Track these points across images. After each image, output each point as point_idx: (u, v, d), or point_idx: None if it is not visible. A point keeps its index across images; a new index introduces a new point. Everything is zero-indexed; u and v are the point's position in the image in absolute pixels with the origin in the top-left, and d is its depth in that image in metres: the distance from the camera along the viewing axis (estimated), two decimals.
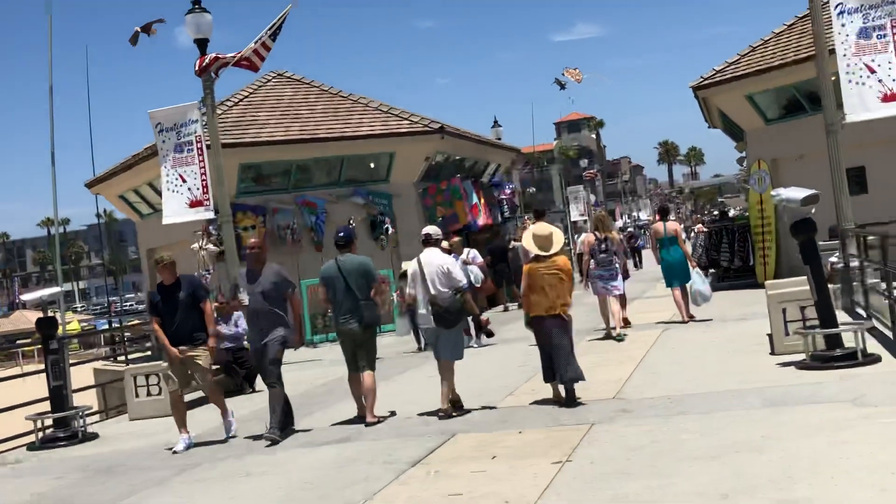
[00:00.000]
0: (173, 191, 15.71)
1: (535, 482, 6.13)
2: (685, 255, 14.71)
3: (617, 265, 13.95)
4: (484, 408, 9.29)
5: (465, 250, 15.62)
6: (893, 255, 12.77)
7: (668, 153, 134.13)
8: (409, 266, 9.69)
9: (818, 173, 14.61)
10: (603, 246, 13.76)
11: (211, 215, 17.04)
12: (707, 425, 7.21)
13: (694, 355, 11.22)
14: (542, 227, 9.31)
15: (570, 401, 8.83)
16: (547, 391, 9.34)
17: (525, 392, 9.98)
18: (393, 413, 9.62)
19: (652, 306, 17.93)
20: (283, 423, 9.20)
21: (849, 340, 9.21)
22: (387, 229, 21.79)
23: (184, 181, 15.54)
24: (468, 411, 9.16)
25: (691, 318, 14.56)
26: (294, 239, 21.06)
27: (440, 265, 9.17)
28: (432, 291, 9.07)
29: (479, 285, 15.18)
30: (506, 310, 23.35)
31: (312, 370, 14.90)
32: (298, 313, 10.07)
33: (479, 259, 16.31)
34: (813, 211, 9.38)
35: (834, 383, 8.20)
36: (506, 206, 26.86)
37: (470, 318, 10.57)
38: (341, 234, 9.84)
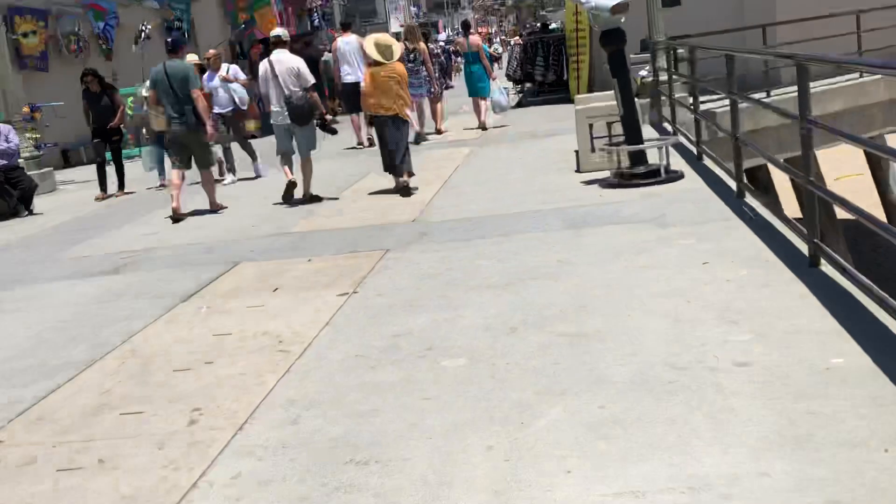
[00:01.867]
0: None
1: (315, 318, 5.56)
2: (485, 68, 15.98)
3: (424, 74, 14.86)
4: (275, 234, 8.60)
5: (225, 66, 13.25)
6: (702, 69, 12.62)
7: None
8: (260, 66, 10.22)
9: None
10: (411, 56, 14.37)
11: None
12: (504, 249, 6.79)
13: (500, 173, 10.81)
14: (385, 38, 10.34)
15: (406, 191, 9.86)
16: (343, 217, 8.76)
17: (323, 214, 9.34)
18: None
19: (468, 121, 17.46)
20: None
21: (654, 157, 8.98)
22: (185, 34, 20.11)
23: None
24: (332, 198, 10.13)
25: (484, 128, 15.66)
26: (80, 47, 19.10)
27: (290, 66, 9.81)
28: (285, 91, 9.73)
29: (243, 107, 13.15)
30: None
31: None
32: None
33: (242, 76, 13.40)
34: (623, 20, 8.88)
35: (636, 202, 7.94)
36: (316, 16, 25.33)
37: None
38: (169, 39, 11.00)
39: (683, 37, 14.13)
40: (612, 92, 11.35)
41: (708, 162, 9.36)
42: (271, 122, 10.35)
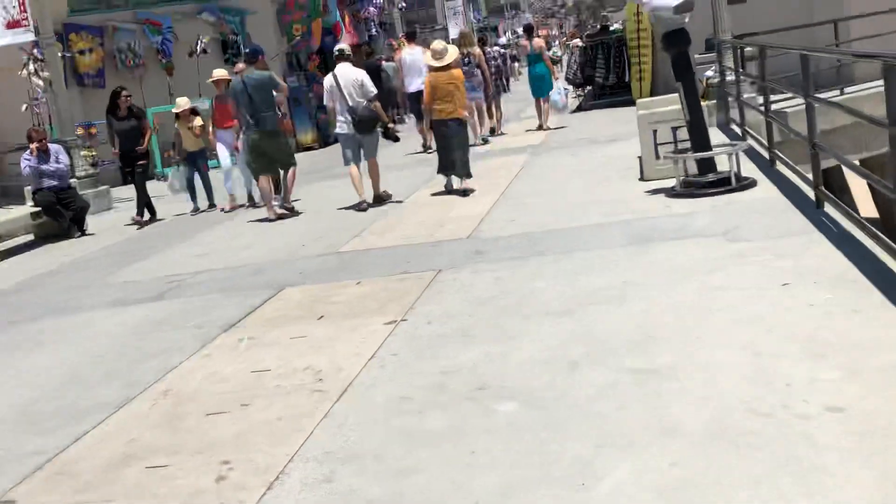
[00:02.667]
0: None
1: (359, 350, 5.17)
2: (549, 69, 16.48)
3: (478, 77, 15.14)
4: (325, 254, 8.26)
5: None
6: (772, 67, 11.98)
7: None
8: (326, 81, 10.61)
9: None
10: (466, 59, 14.59)
11: (30, 37, 15.10)
12: (564, 269, 6.33)
13: (560, 183, 10.34)
14: (439, 43, 10.84)
15: (465, 192, 10.28)
16: (395, 234, 8.42)
17: (374, 232, 8.97)
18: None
19: (527, 125, 17.06)
20: None
21: (724, 163, 8.44)
22: (240, 48, 19.96)
23: None
24: (397, 201, 10.51)
25: (545, 127, 16.25)
26: (136, 62, 19.07)
27: (355, 78, 10.24)
28: (350, 103, 10.12)
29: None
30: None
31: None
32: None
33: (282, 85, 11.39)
34: (687, 20, 8.35)
35: (706, 213, 7.41)
36: (373, 24, 25.06)
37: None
38: (248, 50, 11.75)
39: (750, 34, 13.52)
40: (677, 95, 10.89)
41: (782, 167, 8.76)
42: (336, 131, 10.71)
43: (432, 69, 10.41)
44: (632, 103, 19.36)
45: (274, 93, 10.50)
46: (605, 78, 19.93)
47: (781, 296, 4.97)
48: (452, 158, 10.30)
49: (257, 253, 8.76)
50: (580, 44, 23.65)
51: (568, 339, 4.81)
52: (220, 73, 12.25)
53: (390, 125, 11.38)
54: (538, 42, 17.08)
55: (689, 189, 8.27)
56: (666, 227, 7.17)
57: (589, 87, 21.23)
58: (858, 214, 6.41)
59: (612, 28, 26.21)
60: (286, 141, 10.91)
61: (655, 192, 8.69)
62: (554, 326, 5.08)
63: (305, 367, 5.04)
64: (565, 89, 17.63)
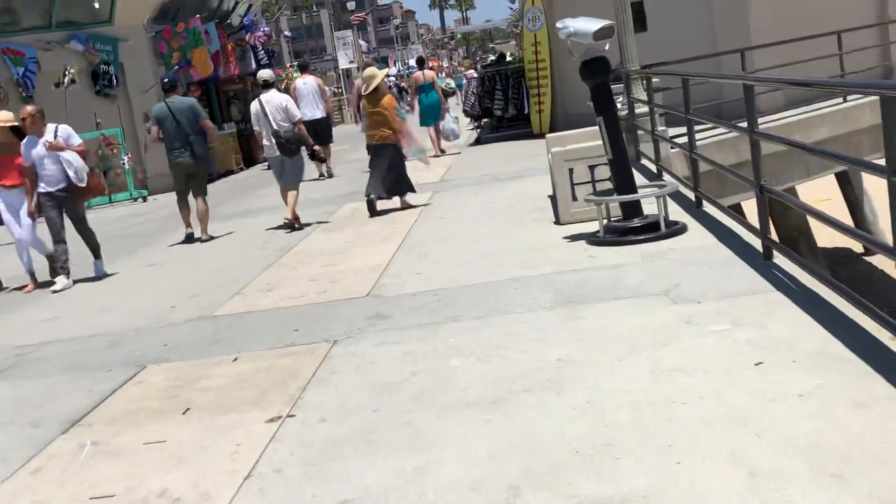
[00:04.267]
0: None
1: (232, 465, 4.01)
2: (440, 98, 17.40)
3: None
4: (198, 318, 7.04)
5: (50, 127, 9.30)
6: (676, 100, 11.27)
7: None
8: (252, 106, 11.21)
9: (597, 9, 12.76)
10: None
11: None
12: (484, 339, 5.31)
13: (466, 226, 9.36)
14: (369, 70, 11.58)
15: (407, 206, 10.99)
16: (282, 291, 7.29)
17: (258, 288, 7.80)
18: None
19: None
20: None
21: (649, 206, 7.60)
22: (112, 79, 18.49)
23: None
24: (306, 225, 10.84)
25: (442, 151, 17.26)
26: None
27: (279, 103, 10.85)
28: (274, 126, 10.65)
29: (81, 183, 9.23)
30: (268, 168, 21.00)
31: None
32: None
33: (76, 140, 9.43)
34: (607, 48, 7.51)
35: (637, 265, 6.51)
36: (261, 52, 23.78)
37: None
38: (166, 79, 11.27)
39: (657, 64, 12.90)
40: (588, 129, 10.07)
41: (710, 209, 7.99)
42: (264, 154, 11.59)
43: (363, 97, 11.18)
44: (531, 136, 18.73)
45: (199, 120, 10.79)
46: (504, 110, 19.19)
47: (758, 381, 4.03)
48: (380, 181, 10.84)
49: (118, 317, 7.47)
50: (474, 75, 22.95)
51: (501, 448, 3.75)
52: (3, 115, 9.70)
53: (315, 147, 11.73)
54: (430, 73, 18.03)
55: (613, 235, 7.38)
56: (595, 282, 6.23)
57: (486, 120, 20.45)
58: (824, 269, 5.58)
59: (508, 59, 25.63)
60: (206, 170, 11.29)
61: (574, 238, 7.79)
62: (481, 427, 4.02)
63: (161, 491, 3.85)
64: (456, 117, 18.25)
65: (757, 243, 6.32)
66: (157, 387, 5.39)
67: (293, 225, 10.69)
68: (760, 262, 5.98)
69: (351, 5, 57.62)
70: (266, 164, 20.66)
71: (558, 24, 7.46)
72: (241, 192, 15.90)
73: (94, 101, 18.23)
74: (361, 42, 59.23)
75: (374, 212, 10.79)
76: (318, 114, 16.34)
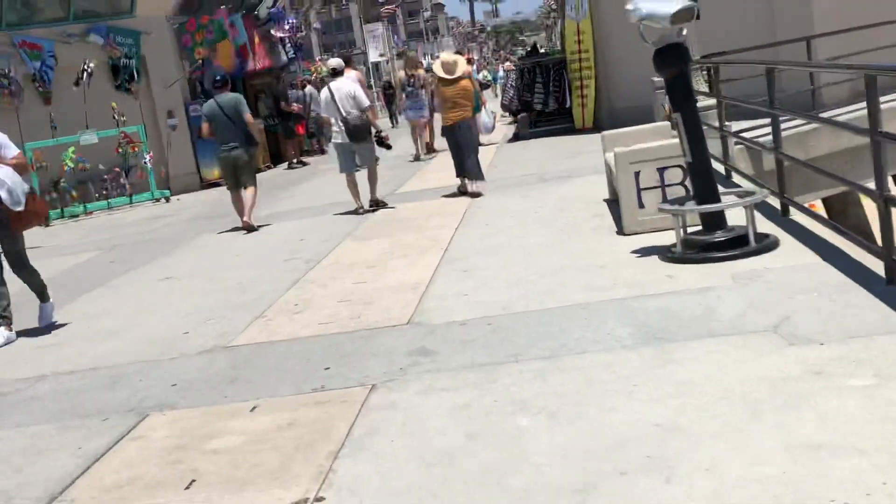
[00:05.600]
0: None
1: None
2: (477, 92, 16.28)
3: (423, 97, 16.79)
4: (213, 349, 6.10)
5: None
6: (732, 92, 10.24)
7: None
8: (322, 93, 11.68)
9: None
10: (411, 81, 16.83)
11: None
12: (556, 390, 4.31)
13: (515, 235, 8.36)
14: (448, 55, 12.00)
15: (476, 194, 11.05)
16: (310, 315, 6.33)
17: (283, 310, 6.85)
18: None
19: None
20: None
21: (731, 216, 6.57)
22: (133, 73, 17.64)
23: None
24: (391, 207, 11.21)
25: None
26: (12, 91, 16.58)
27: (348, 91, 10.99)
28: (343, 113, 10.82)
29: (17, 207, 6.94)
30: (293, 165, 20.20)
31: None
32: None
33: (12, 150, 7.20)
34: (685, 32, 6.48)
35: (729, 290, 5.48)
36: (288, 45, 22.87)
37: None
38: (218, 77, 11.73)
39: (717, 54, 11.83)
40: (649, 127, 9.14)
41: (800, 217, 6.94)
42: (332, 142, 11.66)
43: (442, 81, 11.19)
44: (573, 131, 17.67)
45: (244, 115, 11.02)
46: (544, 104, 18.12)
47: None
48: (465, 161, 11.08)
49: (124, 344, 6.55)
50: (512, 67, 21.91)
51: None
52: None
53: (383, 133, 11.60)
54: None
55: (694, 251, 6.35)
56: (682, 312, 5.20)
57: (522, 114, 19.37)
58: None
59: (542, 51, 24.52)
60: (254, 161, 11.67)
61: (645, 252, 6.78)
62: None
63: None
64: (493, 112, 18.59)
65: (873, 263, 5.29)
66: (159, 445, 4.44)
67: (376, 206, 11.13)
68: (884, 289, 4.94)
69: None
70: (288, 163, 19.92)
71: (628, 6, 6.42)
72: (269, 193, 14.97)
73: (114, 97, 17.36)
74: (392, 37, 58.25)
75: (465, 192, 11.19)
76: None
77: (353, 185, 11.19)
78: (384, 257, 8.32)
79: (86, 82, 16.45)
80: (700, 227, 6.55)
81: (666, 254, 6.50)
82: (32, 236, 14.14)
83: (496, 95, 24.99)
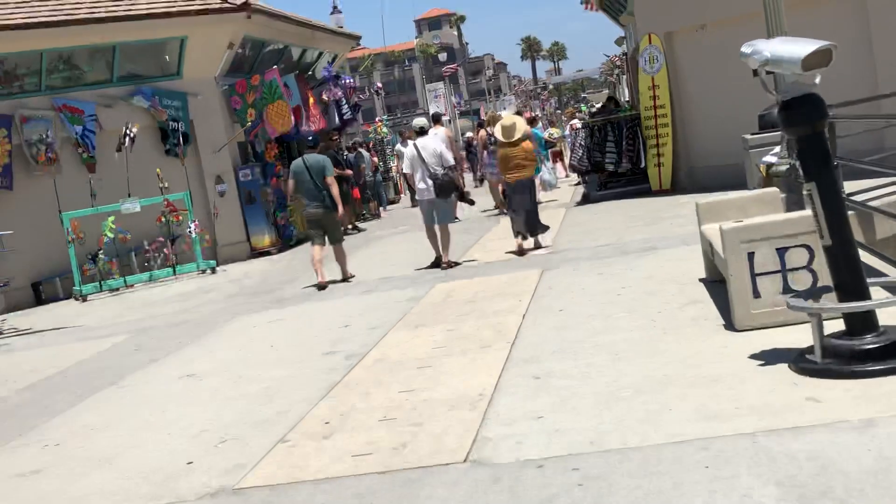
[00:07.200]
0: None
1: None
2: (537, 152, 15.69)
3: None
4: (218, 493, 4.76)
5: None
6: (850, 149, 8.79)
7: (530, 49, 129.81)
8: (407, 150, 12.00)
9: (728, 47, 10.28)
10: (492, 139, 15.20)
11: None
12: None
13: (597, 328, 6.93)
14: (508, 118, 12.16)
15: (538, 246, 11.54)
16: (343, 440, 4.97)
17: (310, 433, 5.50)
18: None
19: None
20: None
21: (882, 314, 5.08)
22: (183, 136, 16.68)
23: None
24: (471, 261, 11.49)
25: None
26: (49, 157, 15.72)
27: (434, 148, 11.33)
28: (430, 170, 11.16)
29: None
30: (347, 231, 19.00)
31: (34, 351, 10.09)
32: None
33: None
34: (818, 81, 5.08)
35: None
36: (344, 104, 21.85)
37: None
38: (311, 138, 12.89)
39: (832, 105, 10.35)
40: (751, 194, 7.75)
41: None
42: (417, 197, 12.05)
43: (503, 144, 11.50)
44: (647, 193, 16.22)
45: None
46: (617, 164, 16.72)
47: None
48: (524, 218, 11.38)
49: (113, 476, 5.25)
50: (578, 125, 20.61)
51: None
52: None
53: (465, 189, 12.00)
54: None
55: (838, 362, 4.87)
56: (846, 462, 3.73)
57: (592, 174, 18.00)
58: None
59: (624, 103, 23.15)
60: (337, 219, 11.90)
61: (768, 358, 5.32)
62: None
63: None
64: (553, 167, 19.13)
65: None
66: None
67: (446, 265, 11.24)
68: None
69: (442, 57, 56.23)
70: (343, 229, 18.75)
71: (744, 49, 5.06)
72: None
73: (159, 162, 16.40)
74: (453, 97, 57.53)
75: (522, 251, 11.33)
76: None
77: (433, 237, 11.44)
78: (438, 352, 6.97)
79: (128, 147, 15.49)
80: (837, 326, 5.07)
81: (799, 363, 5.02)
82: (64, 315, 13.15)
83: (565, 155, 23.91)
